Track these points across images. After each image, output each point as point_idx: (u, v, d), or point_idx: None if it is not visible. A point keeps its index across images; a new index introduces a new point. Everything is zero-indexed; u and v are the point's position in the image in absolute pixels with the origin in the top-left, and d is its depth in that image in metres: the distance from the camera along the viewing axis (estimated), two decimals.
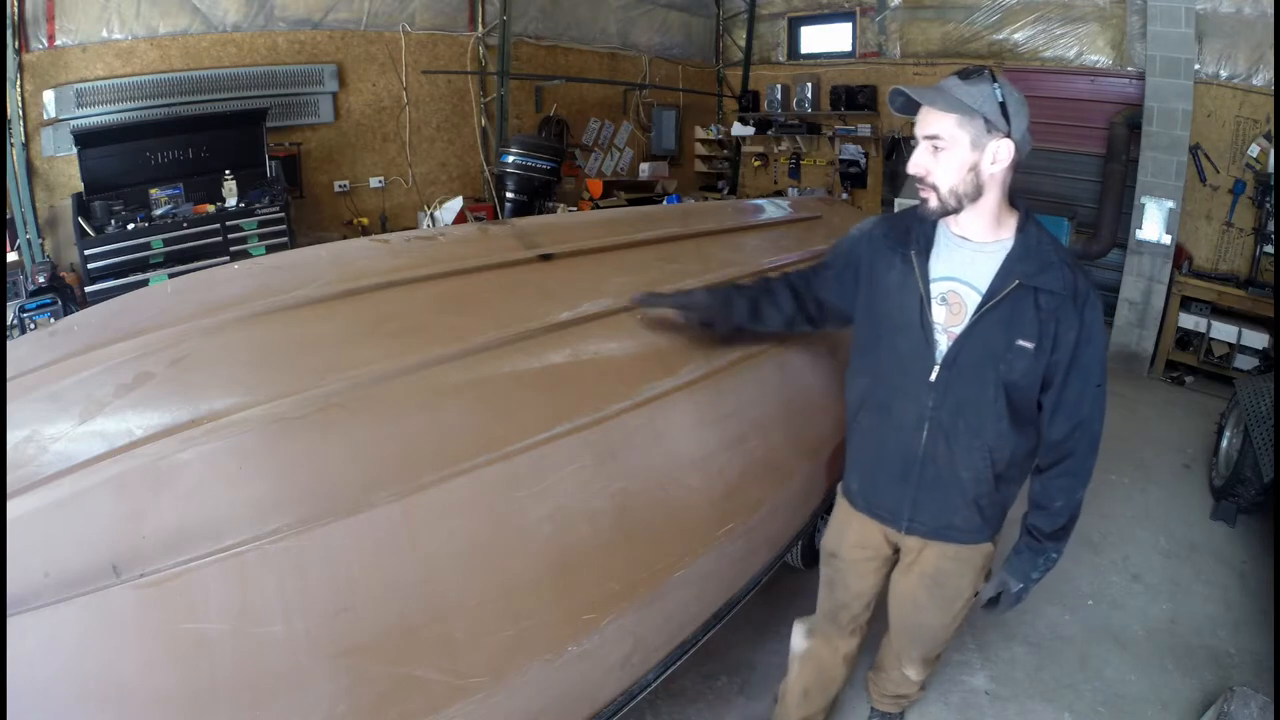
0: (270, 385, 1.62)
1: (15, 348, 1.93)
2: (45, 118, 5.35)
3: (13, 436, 1.50)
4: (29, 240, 5.30)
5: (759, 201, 3.99)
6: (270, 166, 5.92)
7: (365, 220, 7.00)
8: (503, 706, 1.60)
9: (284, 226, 5.77)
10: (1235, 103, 6.45)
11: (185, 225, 5.38)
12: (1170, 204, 6.47)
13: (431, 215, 6.92)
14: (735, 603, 2.26)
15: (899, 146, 8.40)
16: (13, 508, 1.40)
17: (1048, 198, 7.36)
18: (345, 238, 6.21)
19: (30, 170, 5.32)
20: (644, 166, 9.17)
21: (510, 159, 6.22)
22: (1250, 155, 6.46)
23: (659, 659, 1.98)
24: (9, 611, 1.35)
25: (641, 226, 2.67)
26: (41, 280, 4.93)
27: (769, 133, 9.70)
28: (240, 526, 1.49)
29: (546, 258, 2.19)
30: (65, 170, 5.42)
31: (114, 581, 1.44)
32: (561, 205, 7.10)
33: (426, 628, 1.54)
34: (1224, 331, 6.35)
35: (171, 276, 5.07)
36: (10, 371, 1.72)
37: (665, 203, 7.64)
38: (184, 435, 1.52)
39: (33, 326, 4.85)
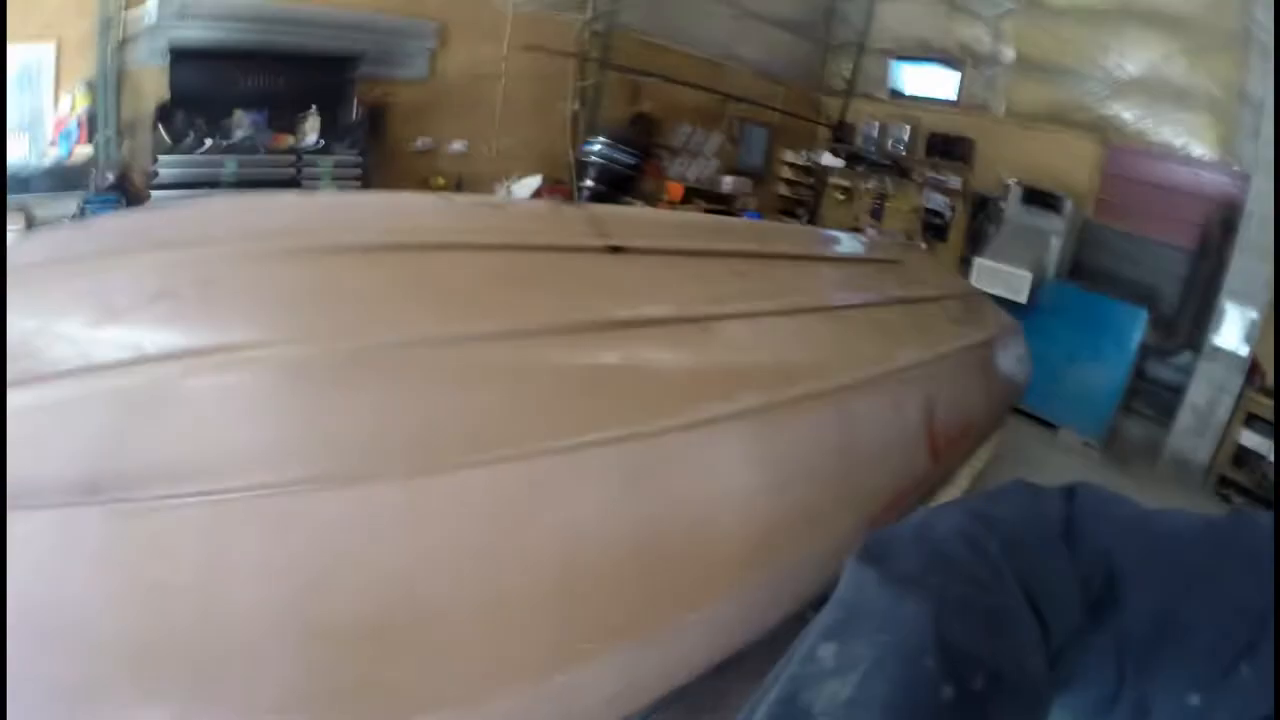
0: (296, 327, 1.49)
1: (52, 233, 1.84)
2: (145, 24, 5.31)
3: (23, 323, 1.40)
4: (108, 137, 5.28)
5: (838, 233, 3.81)
6: (355, 112, 5.85)
7: (442, 181, 6.90)
8: None
9: (358, 172, 5.70)
10: None
11: (260, 153, 5.35)
12: (1254, 314, 6.12)
13: (508, 188, 6.77)
14: (740, 650, 2.09)
15: (987, 206, 8.12)
16: (11, 397, 1.30)
17: (1128, 284, 7.03)
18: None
19: (121, 72, 5.29)
20: (727, 179, 8.99)
21: (596, 148, 6.15)
22: None
23: (647, 701, 1.81)
24: None
25: (717, 236, 2.49)
26: (110, 178, 4.92)
27: (858, 168, 9.47)
28: (230, 472, 1.37)
29: (616, 249, 2.03)
30: (156, 79, 5.36)
31: (88, 500, 1.33)
32: (639, 202, 6.95)
33: (407, 627, 1.40)
34: None
35: None
36: (39, 255, 1.62)
37: (743, 217, 7.46)
38: (193, 362, 1.41)
39: None
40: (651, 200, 7.62)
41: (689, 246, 2.22)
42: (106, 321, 1.43)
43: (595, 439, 1.57)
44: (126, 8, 5.20)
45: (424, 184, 6.72)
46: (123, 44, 5.23)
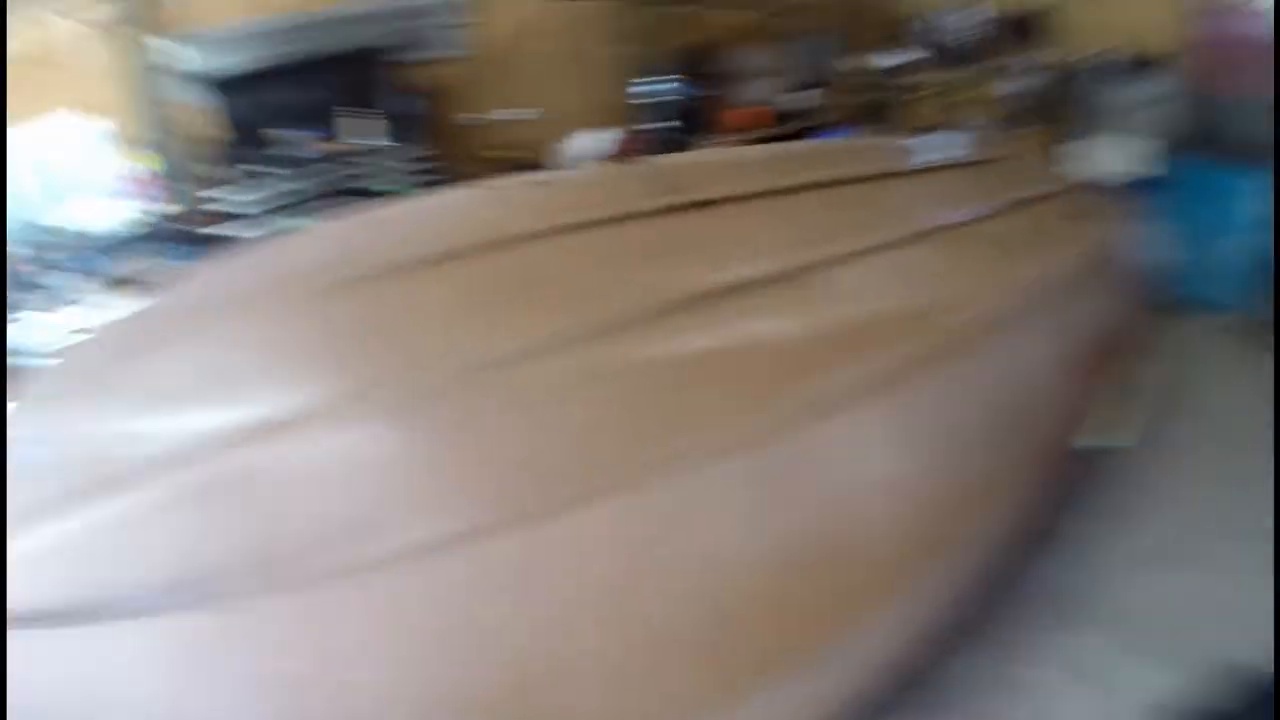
0: (362, 373, 1.32)
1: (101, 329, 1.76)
2: (181, 65, 5.33)
3: (102, 429, 1.32)
4: (179, 189, 5.41)
5: (923, 137, 3.38)
6: (404, 103, 5.78)
7: (508, 154, 6.55)
8: None
9: (425, 165, 5.66)
10: None
11: (316, 165, 5.35)
12: None
13: (574, 148, 6.45)
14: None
15: (1075, 82, 7.38)
16: (99, 509, 1.23)
17: (1244, 148, 6.18)
18: (487, 172, 6.10)
19: (169, 121, 5.37)
20: (793, 96, 8.45)
21: (653, 87, 5.90)
22: None
23: None
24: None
25: (796, 167, 2.16)
26: (178, 227, 5.09)
27: (929, 63, 8.78)
28: (326, 552, 1.24)
29: (685, 206, 1.77)
30: (204, 118, 5.42)
31: (191, 604, 1.23)
32: (711, 136, 6.60)
33: (551, 686, 1.26)
34: None
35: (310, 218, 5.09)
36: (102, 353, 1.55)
37: (819, 138, 7.01)
38: (263, 434, 1.27)
39: None
40: (722, 131, 7.27)
41: (770, 185, 1.93)
42: (164, 410, 1.33)
43: (712, 447, 1.36)
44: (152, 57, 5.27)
45: (493, 161, 6.33)
46: (160, 98, 5.34)
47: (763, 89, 8.40)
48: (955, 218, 2.18)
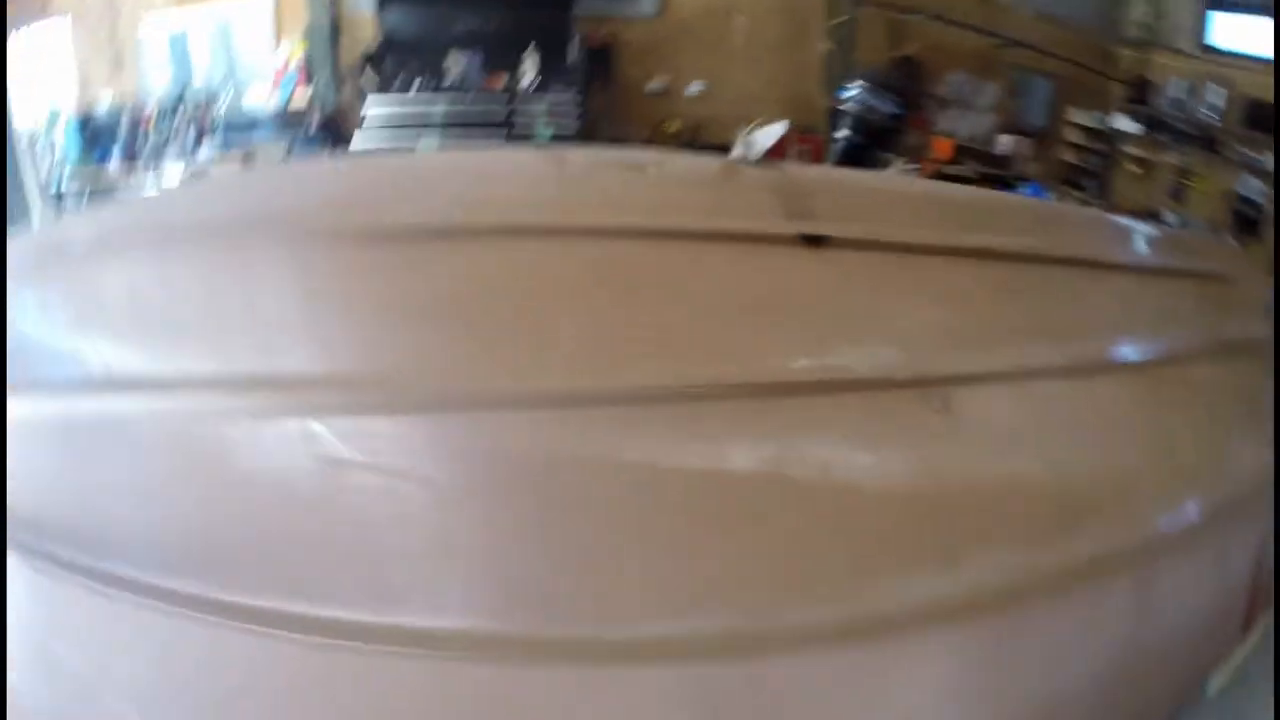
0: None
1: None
2: None
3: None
4: (323, 82, 5.43)
5: (1138, 225, 2.45)
6: (574, 51, 5.51)
7: (675, 126, 6.43)
8: None
9: (577, 114, 5.38)
10: None
11: (471, 95, 5.18)
12: None
13: (748, 136, 5.97)
14: None
15: None
16: None
17: None
18: (651, 140, 5.91)
19: (336, 18, 5.41)
20: (1003, 139, 7.81)
21: (852, 94, 5.43)
22: None
23: None
24: None
25: (978, 222, 1.40)
26: (314, 124, 5.14)
27: (1158, 136, 7.80)
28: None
29: (814, 240, 1.16)
30: (370, 24, 5.42)
31: None
32: (899, 161, 6.03)
33: None
34: None
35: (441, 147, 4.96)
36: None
37: (1020, 192, 6.31)
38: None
39: None
40: (910, 157, 6.71)
41: (932, 239, 1.25)
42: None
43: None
44: None
45: (657, 128, 6.36)
46: None
47: (966, 123, 7.73)
48: (1155, 348, 1.47)
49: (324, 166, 1.52)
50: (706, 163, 1.33)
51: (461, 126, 5.06)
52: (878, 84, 5.54)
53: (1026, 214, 1.72)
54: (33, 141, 5.78)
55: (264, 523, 0.96)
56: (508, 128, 5.20)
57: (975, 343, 1.18)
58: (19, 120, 5.62)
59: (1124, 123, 7.92)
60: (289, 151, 5.08)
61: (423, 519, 0.95)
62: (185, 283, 1.05)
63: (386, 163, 1.44)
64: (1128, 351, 1.41)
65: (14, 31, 5.39)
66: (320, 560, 0.95)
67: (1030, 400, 1.20)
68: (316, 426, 0.93)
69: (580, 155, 1.25)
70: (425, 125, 5.03)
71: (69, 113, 5.76)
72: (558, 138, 5.20)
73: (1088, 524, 1.15)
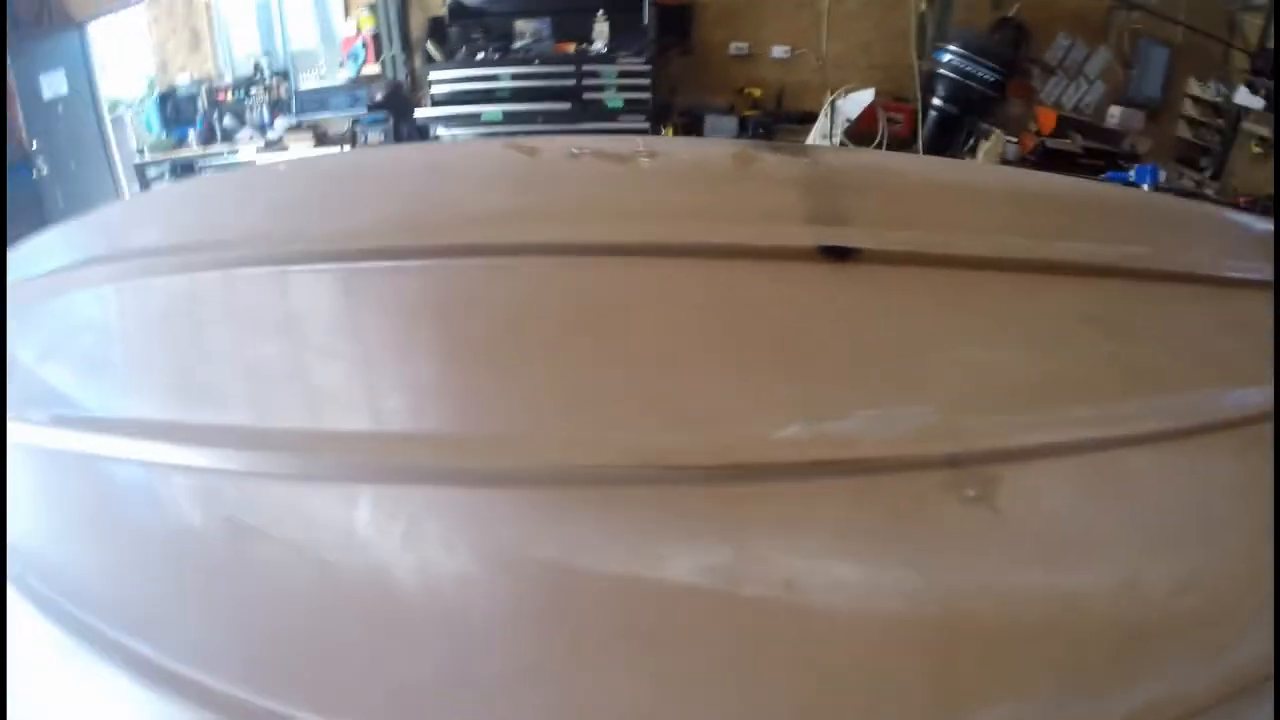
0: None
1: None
2: None
3: None
4: (392, 55, 5.37)
5: (1257, 224, 1.68)
6: (648, 14, 5.28)
7: (758, 92, 6.16)
8: None
9: (648, 81, 5.19)
10: None
11: (538, 63, 5.01)
12: None
13: (834, 103, 5.83)
14: None
15: None
16: None
17: None
18: (733, 107, 5.71)
19: None
20: (1113, 111, 7.24)
21: (946, 58, 5.14)
22: None
23: None
24: None
25: (1064, 224, 0.99)
26: (379, 97, 5.05)
27: None
28: None
29: (839, 254, 0.79)
30: None
31: None
32: (997, 132, 5.81)
33: None
34: None
35: (506, 116, 4.91)
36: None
37: (1133, 176, 5.74)
38: None
39: (364, 140, 5.18)
40: (1017, 129, 6.43)
41: (996, 251, 0.87)
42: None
43: None
44: None
45: (739, 94, 6.12)
46: None
47: (1078, 91, 7.23)
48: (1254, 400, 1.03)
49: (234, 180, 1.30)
50: (716, 150, 0.98)
51: (528, 97, 4.94)
52: (976, 48, 5.26)
53: (1128, 211, 1.25)
54: (119, 120, 6.03)
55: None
56: (576, 97, 5.04)
57: (1041, 400, 0.84)
58: (105, 100, 5.86)
59: (1247, 97, 7.34)
60: (352, 128, 5.11)
61: None
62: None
63: (318, 166, 1.16)
64: (1244, 401, 1.03)
65: (97, 20, 5.62)
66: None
67: (1106, 482, 0.85)
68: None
69: (557, 145, 0.94)
70: (492, 95, 4.92)
71: (151, 92, 6.01)
72: (629, 105, 5.06)
73: (1160, 665, 0.84)
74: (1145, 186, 4.69)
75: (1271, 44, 7.41)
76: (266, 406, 0.78)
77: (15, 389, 0.91)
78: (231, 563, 0.77)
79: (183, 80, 5.82)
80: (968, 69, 5.02)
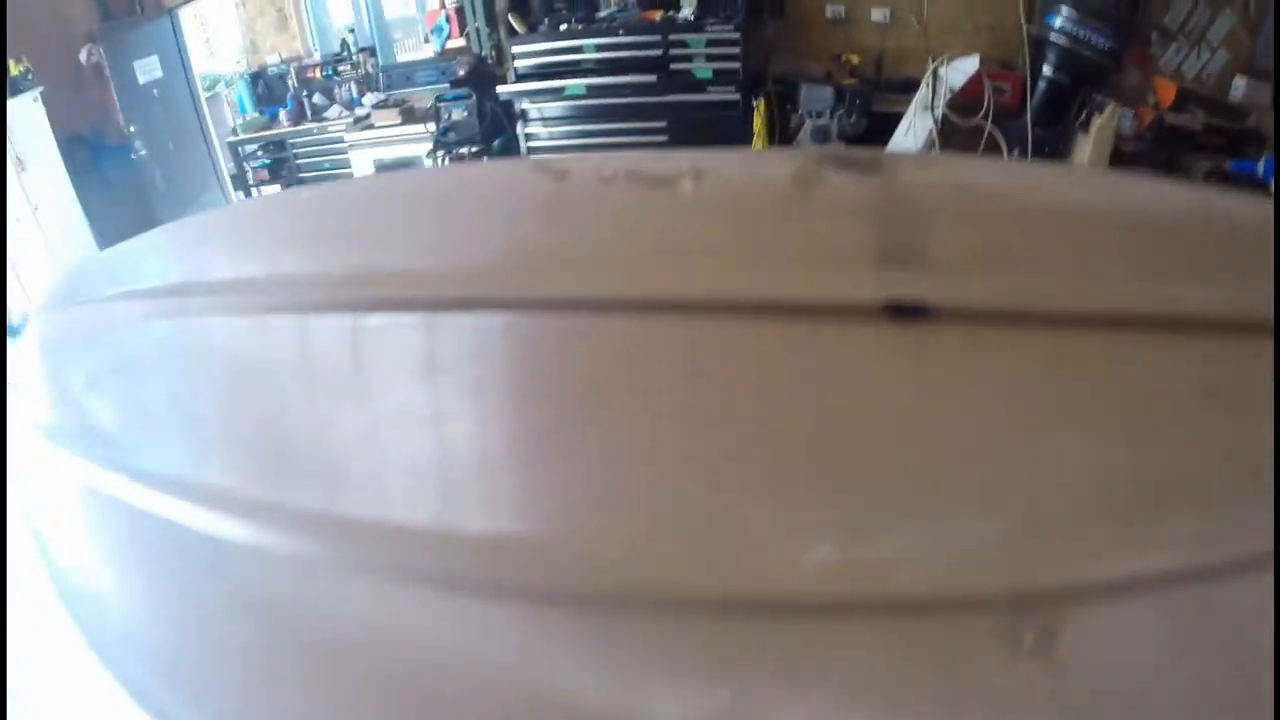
0: None
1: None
2: None
3: None
4: (476, 29, 5.29)
5: None
6: None
7: (855, 59, 5.96)
8: None
9: (738, 50, 4.98)
10: None
11: (622, 32, 4.86)
12: None
13: (936, 71, 5.53)
14: None
15: None
16: None
17: None
18: (830, 75, 5.52)
19: None
20: (1238, 83, 6.56)
21: (1058, 22, 4.79)
22: None
23: None
24: None
25: (1189, 261, 0.63)
26: (461, 73, 4.88)
27: None
28: None
29: (912, 313, 0.59)
30: None
31: None
32: (1112, 105, 5.33)
33: None
34: None
35: (590, 90, 4.81)
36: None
37: (1260, 170, 5.21)
38: None
39: (446, 117, 5.02)
40: (1135, 101, 5.95)
41: (1105, 304, 0.63)
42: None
43: None
44: None
45: (836, 61, 5.92)
46: None
47: (1200, 60, 6.73)
48: None
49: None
50: (772, 169, 0.74)
51: (613, 69, 4.80)
52: (1090, 11, 4.90)
53: (1261, 240, 0.92)
54: (215, 98, 6.17)
55: None
56: (663, 68, 4.89)
57: (1129, 514, 0.62)
58: (200, 79, 6.00)
59: None
60: (435, 105, 5.05)
61: None
62: None
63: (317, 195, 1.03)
64: None
65: (187, 5, 5.77)
66: None
67: (1191, 622, 0.63)
68: None
69: (591, 166, 0.74)
70: (576, 68, 4.82)
71: (243, 71, 6.13)
72: (719, 75, 4.89)
73: None
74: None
75: None
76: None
77: (66, 417, 0.82)
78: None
79: (272, 59, 5.95)
80: (1081, 34, 4.67)
